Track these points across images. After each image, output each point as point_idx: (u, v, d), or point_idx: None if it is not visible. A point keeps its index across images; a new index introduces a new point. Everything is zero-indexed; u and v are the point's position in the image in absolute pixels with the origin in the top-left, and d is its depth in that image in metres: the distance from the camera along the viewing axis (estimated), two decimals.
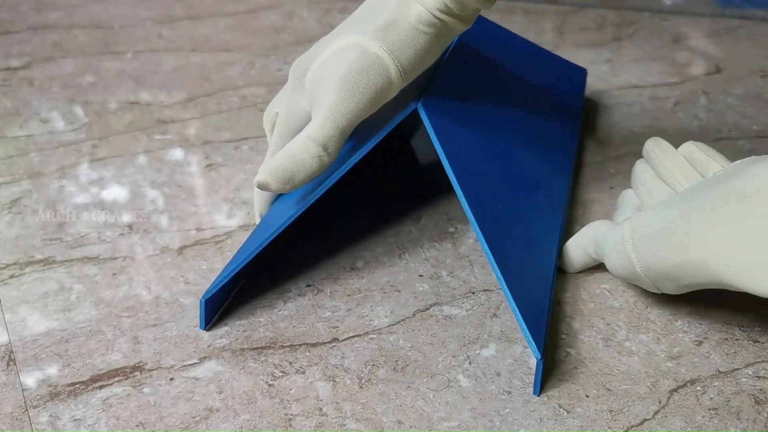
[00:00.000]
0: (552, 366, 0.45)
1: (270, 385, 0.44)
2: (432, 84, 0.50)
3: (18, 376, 0.45)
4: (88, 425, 0.42)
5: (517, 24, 0.94)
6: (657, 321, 0.49)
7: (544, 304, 0.47)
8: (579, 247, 0.52)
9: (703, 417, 0.42)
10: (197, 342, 0.47)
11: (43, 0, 0.99)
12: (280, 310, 0.50)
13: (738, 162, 0.47)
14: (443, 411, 0.43)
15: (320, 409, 0.43)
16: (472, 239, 0.56)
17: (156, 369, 0.45)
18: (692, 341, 0.47)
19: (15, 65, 0.82)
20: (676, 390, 0.44)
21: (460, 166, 0.46)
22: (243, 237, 0.56)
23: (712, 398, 0.43)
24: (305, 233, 0.57)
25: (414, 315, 0.49)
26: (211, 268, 0.53)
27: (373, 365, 0.46)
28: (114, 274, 0.53)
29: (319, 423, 0.42)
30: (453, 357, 0.46)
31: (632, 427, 0.42)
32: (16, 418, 0.42)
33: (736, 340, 0.47)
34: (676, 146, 0.52)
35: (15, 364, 0.46)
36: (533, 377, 0.44)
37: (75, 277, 0.52)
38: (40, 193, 0.61)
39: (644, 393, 0.44)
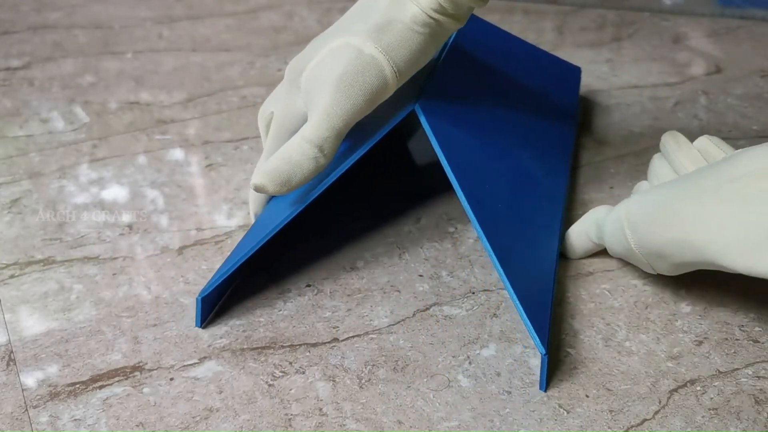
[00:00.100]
0: (552, 366, 0.45)
1: (270, 385, 0.44)
2: (429, 85, 0.50)
3: (18, 376, 0.45)
4: (88, 425, 0.42)
5: (517, 24, 0.94)
6: (657, 321, 0.49)
7: (547, 300, 0.47)
8: (582, 232, 0.53)
9: (703, 417, 0.42)
10: (197, 342, 0.47)
11: (43, 0, 0.99)
12: (280, 310, 0.50)
13: (737, 151, 0.47)
14: (443, 411, 0.43)
15: (320, 409, 0.43)
16: (472, 239, 0.56)
17: (156, 369, 0.45)
18: (692, 341, 0.47)
19: (15, 65, 0.82)
20: (676, 390, 0.44)
21: (459, 167, 0.46)
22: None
23: (712, 398, 0.43)
24: (305, 233, 0.57)
25: (414, 315, 0.49)
26: (211, 268, 0.53)
27: (373, 365, 0.46)
28: (114, 274, 0.53)
29: (319, 423, 0.42)
30: (453, 357, 0.46)
31: (632, 427, 0.42)
32: (16, 418, 0.42)
33: (736, 340, 0.47)
34: None
35: (15, 364, 0.46)
36: (533, 377, 0.44)
37: (75, 277, 0.52)
38: (40, 193, 0.61)
39: (644, 393, 0.44)
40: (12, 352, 0.46)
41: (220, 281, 0.47)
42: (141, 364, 0.46)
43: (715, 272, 0.46)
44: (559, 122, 0.65)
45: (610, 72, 0.82)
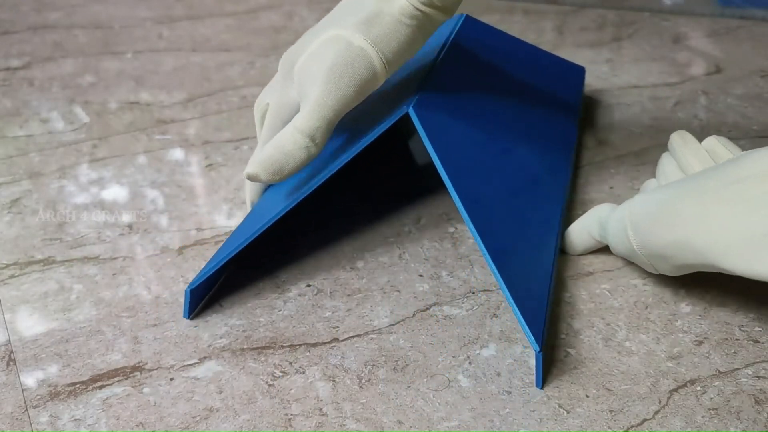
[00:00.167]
0: (552, 366, 0.45)
1: (270, 385, 0.44)
2: (426, 86, 0.50)
3: (18, 376, 0.45)
4: (88, 425, 0.42)
5: (517, 24, 0.94)
6: (657, 321, 0.49)
7: (543, 299, 0.47)
8: (583, 230, 0.53)
9: (703, 417, 0.42)
10: (197, 342, 0.47)
11: (43, 0, 0.99)
12: (280, 310, 0.50)
13: (742, 153, 0.47)
14: (443, 411, 0.43)
15: (320, 409, 0.43)
16: (472, 239, 0.56)
17: (156, 369, 0.45)
18: (692, 341, 0.47)
19: (15, 65, 0.82)
20: (676, 390, 0.44)
21: (454, 167, 0.46)
22: None
23: (712, 398, 0.43)
24: (304, 232, 0.57)
25: (414, 315, 0.49)
26: None
27: (373, 365, 0.46)
28: (114, 274, 0.53)
29: (319, 423, 0.42)
30: (453, 357, 0.46)
31: (632, 427, 0.42)
32: (16, 418, 0.42)
33: (736, 340, 0.47)
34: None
35: (15, 364, 0.46)
36: (534, 377, 0.44)
37: (75, 277, 0.52)
38: (40, 193, 0.61)
39: (644, 393, 0.44)
40: (12, 352, 0.46)
41: (209, 274, 0.47)
42: (141, 364, 0.46)
43: (715, 273, 0.46)
44: (562, 122, 0.65)
45: (610, 72, 0.82)
